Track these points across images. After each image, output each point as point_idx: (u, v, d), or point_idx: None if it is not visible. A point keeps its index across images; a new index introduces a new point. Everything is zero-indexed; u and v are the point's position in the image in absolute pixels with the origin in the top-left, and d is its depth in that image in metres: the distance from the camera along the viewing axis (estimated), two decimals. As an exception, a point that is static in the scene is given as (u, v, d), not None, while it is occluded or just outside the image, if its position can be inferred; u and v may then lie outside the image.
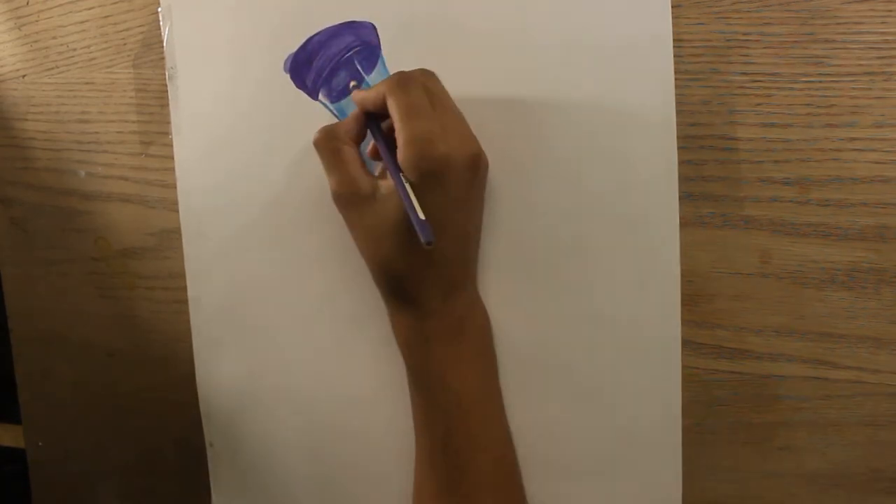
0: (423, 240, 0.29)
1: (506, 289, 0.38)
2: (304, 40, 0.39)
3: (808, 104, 0.34)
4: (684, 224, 0.36)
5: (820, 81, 0.34)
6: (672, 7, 0.34)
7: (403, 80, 0.33)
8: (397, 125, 0.32)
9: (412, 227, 0.30)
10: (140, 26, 0.44)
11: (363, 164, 0.35)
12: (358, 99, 0.35)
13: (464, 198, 0.33)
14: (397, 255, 0.33)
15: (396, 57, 0.38)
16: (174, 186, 0.44)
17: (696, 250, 0.36)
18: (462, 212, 0.33)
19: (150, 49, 0.44)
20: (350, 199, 0.34)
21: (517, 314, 0.38)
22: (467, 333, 0.35)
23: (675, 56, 0.35)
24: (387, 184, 0.33)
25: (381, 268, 0.34)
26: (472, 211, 0.34)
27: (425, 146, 0.31)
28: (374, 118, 0.35)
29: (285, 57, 0.40)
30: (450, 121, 0.32)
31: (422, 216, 0.29)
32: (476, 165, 0.33)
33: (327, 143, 0.34)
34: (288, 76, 0.40)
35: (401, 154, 0.31)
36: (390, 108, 0.32)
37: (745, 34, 0.34)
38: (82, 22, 0.45)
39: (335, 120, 0.39)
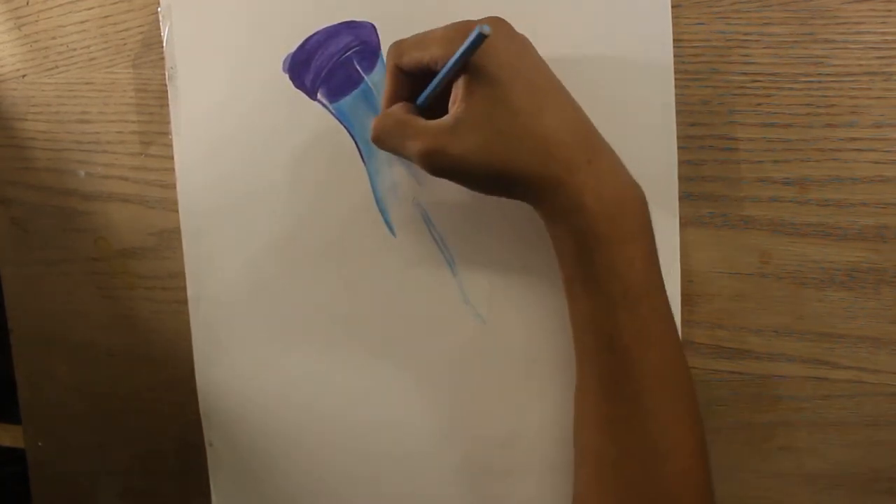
0: (484, 33, 0.27)
1: (506, 288, 0.38)
2: (302, 40, 0.39)
3: (808, 104, 0.34)
4: (684, 224, 0.36)
5: (820, 81, 0.34)
6: (672, 7, 0.34)
7: (395, 43, 0.34)
8: (422, 56, 0.32)
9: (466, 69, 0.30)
10: (140, 26, 0.44)
11: (422, 115, 0.33)
12: (385, 101, 0.35)
13: (524, 58, 0.32)
14: (524, 142, 0.30)
15: (396, 57, 0.38)
16: (174, 186, 0.44)
17: (696, 250, 0.36)
18: (536, 71, 0.32)
19: (150, 49, 0.44)
20: (442, 144, 0.31)
21: (517, 313, 0.38)
22: (629, 209, 0.31)
23: (675, 56, 0.35)
24: (455, 110, 0.31)
25: (522, 170, 0.31)
26: (546, 71, 0.32)
27: (459, 30, 0.31)
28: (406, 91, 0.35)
29: (285, 56, 0.40)
30: (458, 22, 0.32)
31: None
32: (508, 25, 0.32)
33: (389, 122, 0.33)
34: (287, 76, 0.40)
35: (441, 59, 0.31)
36: (408, 61, 0.33)
37: (745, 34, 0.34)
38: (82, 22, 0.45)
39: (335, 120, 0.39)
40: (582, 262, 0.31)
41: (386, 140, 0.34)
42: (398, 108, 0.34)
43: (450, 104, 0.32)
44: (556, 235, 0.32)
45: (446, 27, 0.32)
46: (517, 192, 0.32)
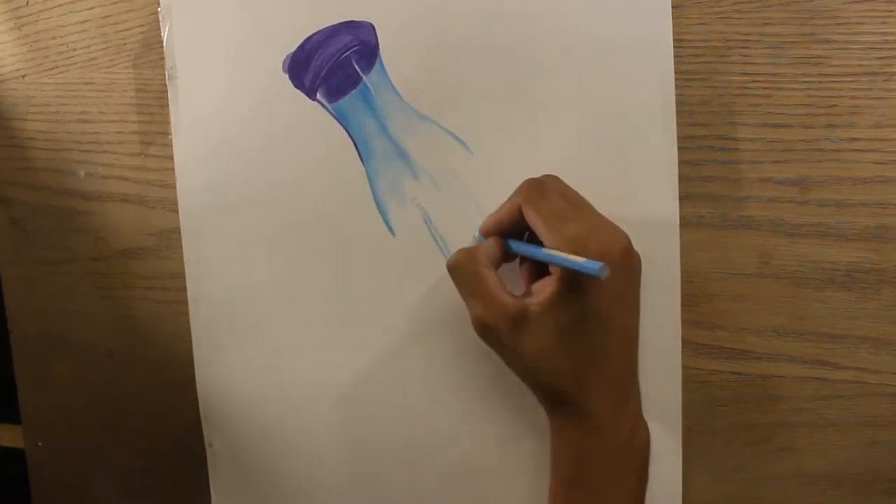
0: (596, 274, 0.27)
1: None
2: (302, 40, 0.39)
3: (808, 104, 0.34)
4: (684, 224, 0.36)
5: (820, 81, 0.34)
6: (672, 7, 0.34)
7: (538, 188, 0.32)
8: (543, 233, 0.31)
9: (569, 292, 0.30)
10: (140, 26, 0.44)
11: (505, 286, 0.32)
12: (492, 221, 0.34)
13: (623, 294, 0.32)
14: (563, 371, 0.31)
15: (395, 57, 0.38)
16: (174, 186, 0.44)
17: (696, 250, 0.36)
18: (624, 312, 0.32)
19: (150, 49, 0.44)
20: (497, 324, 0.31)
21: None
22: (633, 452, 0.33)
23: (675, 56, 0.35)
24: (536, 299, 0.31)
25: (548, 387, 0.33)
26: (632, 310, 0.33)
27: (578, 247, 0.29)
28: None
29: (284, 57, 0.40)
30: (593, 218, 0.32)
31: (586, 260, 0.28)
32: (630, 256, 0.32)
33: (467, 267, 0.33)
34: (287, 76, 0.40)
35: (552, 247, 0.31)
36: (531, 219, 0.32)
37: (745, 34, 0.34)
38: (82, 22, 0.45)
39: (334, 120, 0.39)
40: (575, 490, 0.33)
41: (455, 278, 0.34)
42: (484, 254, 0.33)
43: (535, 286, 0.32)
44: (556, 451, 0.34)
45: (578, 236, 0.30)
46: (538, 400, 0.34)
